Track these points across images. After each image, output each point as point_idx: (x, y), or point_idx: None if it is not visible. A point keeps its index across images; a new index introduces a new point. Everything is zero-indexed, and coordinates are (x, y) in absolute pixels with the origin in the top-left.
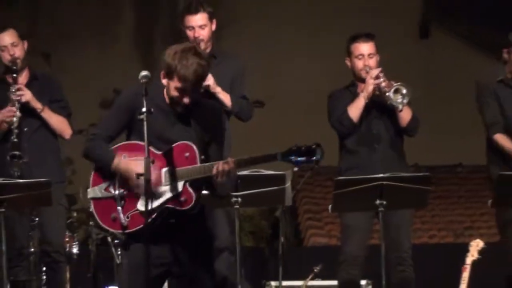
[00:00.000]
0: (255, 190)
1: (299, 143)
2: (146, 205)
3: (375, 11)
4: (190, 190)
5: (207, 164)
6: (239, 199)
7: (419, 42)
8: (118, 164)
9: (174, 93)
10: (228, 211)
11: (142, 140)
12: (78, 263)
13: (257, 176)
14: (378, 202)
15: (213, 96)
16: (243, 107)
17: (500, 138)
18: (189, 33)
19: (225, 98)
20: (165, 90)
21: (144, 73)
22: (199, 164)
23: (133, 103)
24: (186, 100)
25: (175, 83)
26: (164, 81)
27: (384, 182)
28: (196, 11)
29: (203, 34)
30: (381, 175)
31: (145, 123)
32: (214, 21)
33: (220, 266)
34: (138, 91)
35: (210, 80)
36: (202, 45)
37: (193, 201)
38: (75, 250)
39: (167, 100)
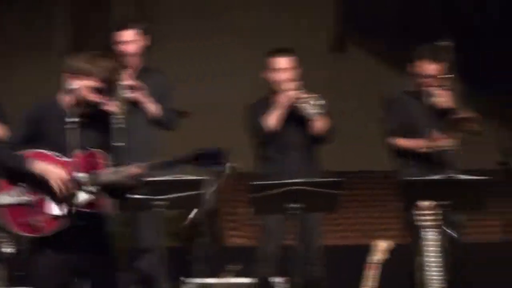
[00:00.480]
0: (178, 194)
1: (204, 147)
2: (69, 210)
3: (292, 25)
4: (103, 194)
5: (119, 168)
6: (163, 203)
7: (334, 56)
8: (33, 165)
9: (84, 93)
10: (152, 213)
11: (49, 149)
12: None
13: (179, 181)
14: (293, 205)
15: (142, 107)
16: (170, 118)
17: (401, 141)
18: (119, 48)
19: (154, 109)
20: (64, 98)
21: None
22: (111, 169)
23: (36, 114)
24: (95, 98)
25: (86, 82)
26: (74, 83)
27: (299, 187)
28: (125, 28)
29: (132, 49)
30: (296, 180)
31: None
32: (145, 37)
33: (144, 265)
34: (42, 104)
35: (140, 92)
36: (131, 60)
37: (106, 205)
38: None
39: (67, 107)
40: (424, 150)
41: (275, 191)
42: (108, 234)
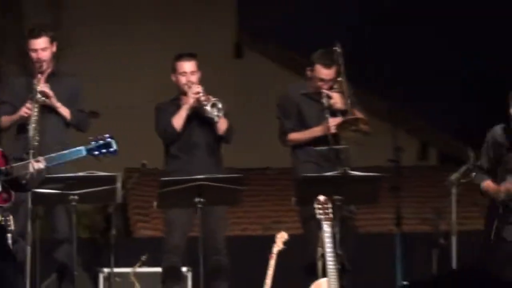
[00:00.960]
0: (90, 189)
1: (94, 137)
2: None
3: (195, 32)
4: (7, 187)
5: (22, 163)
6: (76, 197)
7: (234, 61)
8: None
9: None
10: (67, 207)
11: None
12: None
13: (92, 177)
14: (197, 199)
15: (54, 110)
16: (80, 120)
17: (295, 134)
18: (33, 55)
19: (65, 112)
20: None
21: None
22: (17, 163)
23: None
24: None
25: None
26: None
27: (202, 183)
28: (38, 35)
29: (45, 55)
30: (200, 176)
31: None
32: (55, 43)
33: (60, 255)
34: None
35: (50, 96)
36: (44, 65)
37: (12, 198)
38: None
39: None
40: (318, 136)
41: (180, 186)
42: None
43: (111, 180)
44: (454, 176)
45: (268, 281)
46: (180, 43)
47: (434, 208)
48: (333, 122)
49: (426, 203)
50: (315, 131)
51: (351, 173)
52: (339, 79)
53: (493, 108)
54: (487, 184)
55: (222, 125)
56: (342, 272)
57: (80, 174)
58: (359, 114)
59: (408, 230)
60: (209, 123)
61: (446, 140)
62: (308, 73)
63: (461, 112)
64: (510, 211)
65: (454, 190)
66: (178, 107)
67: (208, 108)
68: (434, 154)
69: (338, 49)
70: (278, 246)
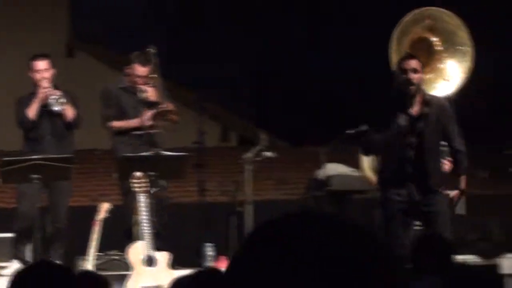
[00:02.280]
0: None
1: None
2: None
3: (28, 33)
4: None
5: None
6: None
7: (66, 60)
8: None
9: None
10: None
11: None
12: None
13: None
14: (33, 176)
15: None
16: None
17: (116, 122)
18: None
19: None
20: None
21: None
22: None
23: None
24: None
25: None
26: None
27: (37, 162)
28: None
29: None
30: (39, 156)
31: None
32: None
33: None
34: None
35: None
36: None
37: None
38: None
39: None
40: (135, 126)
41: (17, 165)
42: None
43: None
44: (248, 155)
45: (93, 243)
46: (19, 44)
47: (233, 182)
48: (147, 116)
49: (226, 178)
50: (133, 123)
51: (162, 153)
52: (153, 75)
53: (281, 98)
54: None
55: (68, 114)
56: (156, 236)
57: None
58: (169, 106)
59: (211, 200)
60: (58, 113)
61: (244, 125)
62: (127, 70)
63: (256, 102)
64: None
65: (248, 167)
66: (32, 99)
67: (52, 101)
68: (234, 137)
69: (152, 50)
70: (101, 215)
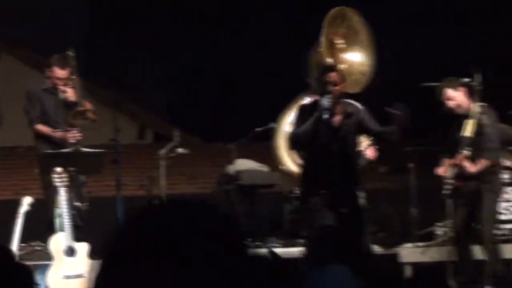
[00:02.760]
0: None
1: None
2: None
3: None
4: None
5: None
6: None
7: None
8: None
9: None
10: None
11: None
12: None
13: None
14: None
15: None
16: None
17: (40, 127)
18: None
19: None
20: None
21: None
22: None
23: None
24: None
25: None
26: None
27: None
28: None
29: None
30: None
31: None
32: None
33: None
34: None
35: None
36: None
37: None
38: None
39: None
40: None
41: None
42: None
43: None
44: (163, 151)
45: (16, 235)
46: None
47: (148, 177)
48: (72, 134)
49: (142, 173)
50: (57, 134)
51: (81, 150)
52: (72, 77)
53: (195, 98)
54: None
55: None
56: (75, 228)
57: None
58: (88, 106)
59: (128, 194)
60: None
61: (159, 123)
62: (48, 73)
63: (170, 102)
64: None
65: (163, 162)
66: None
67: None
68: (150, 134)
69: (71, 53)
70: (24, 208)
